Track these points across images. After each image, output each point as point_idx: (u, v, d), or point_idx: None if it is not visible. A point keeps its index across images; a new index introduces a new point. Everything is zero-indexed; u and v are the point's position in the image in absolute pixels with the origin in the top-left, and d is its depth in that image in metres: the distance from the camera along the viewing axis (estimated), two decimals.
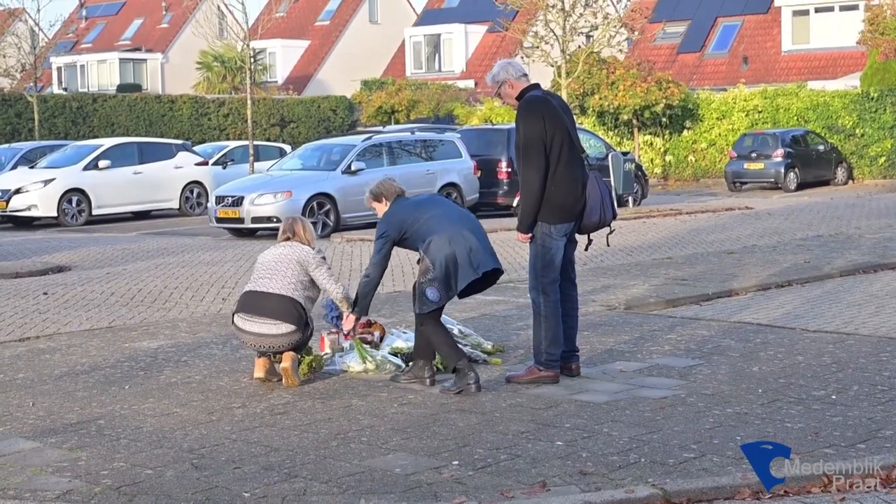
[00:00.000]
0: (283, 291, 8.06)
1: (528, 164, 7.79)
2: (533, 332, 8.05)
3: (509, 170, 24.07)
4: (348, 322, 8.31)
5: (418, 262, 7.93)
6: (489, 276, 8.02)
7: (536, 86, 8.05)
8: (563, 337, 7.95)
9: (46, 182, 24.85)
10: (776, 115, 36.76)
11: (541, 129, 7.74)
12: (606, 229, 8.28)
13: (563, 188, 7.78)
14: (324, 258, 8.33)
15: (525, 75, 8.05)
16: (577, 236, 8.16)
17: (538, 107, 7.84)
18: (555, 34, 29.22)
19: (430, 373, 7.97)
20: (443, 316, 9.13)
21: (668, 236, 18.65)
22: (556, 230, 7.84)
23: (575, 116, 34.59)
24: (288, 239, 8.41)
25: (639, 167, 27.75)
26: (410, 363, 8.42)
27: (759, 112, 37.03)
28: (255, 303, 8.07)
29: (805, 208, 24.55)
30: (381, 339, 8.80)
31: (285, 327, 7.97)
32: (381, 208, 8.20)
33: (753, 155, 32.98)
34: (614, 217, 8.16)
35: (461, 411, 7.19)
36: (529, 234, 7.90)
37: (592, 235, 8.21)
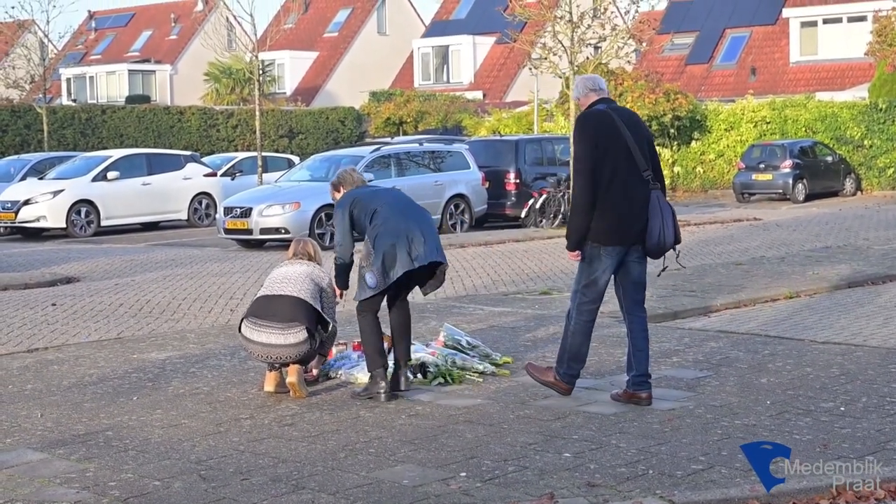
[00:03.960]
0: (297, 294, 8.08)
1: (576, 182, 7.58)
2: (562, 339, 7.87)
3: (517, 181, 24.12)
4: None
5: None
6: (433, 267, 8.04)
7: (603, 100, 7.70)
8: (587, 355, 7.79)
9: (55, 193, 24.90)
10: (784, 126, 36.72)
11: (590, 146, 7.45)
12: (672, 253, 7.90)
13: (617, 208, 7.44)
14: (332, 291, 8.39)
15: (594, 90, 7.72)
16: (650, 259, 7.82)
17: (590, 123, 7.56)
18: (563, 45, 29.22)
19: (385, 387, 7.92)
20: (450, 327, 9.19)
21: None
22: (605, 251, 7.53)
23: None
24: (301, 259, 8.43)
25: None
26: (418, 374, 8.45)
27: (768, 123, 37.00)
28: (266, 306, 8.07)
29: (813, 219, 24.52)
30: (390, 350, 8.80)
31: (293, 336, 7.94)
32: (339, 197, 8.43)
33: (762, 166, 32.95)
34: (677, 241, 7.70)
35: (469, 423, 7.19)
36: (577, 252, 7.64)
37: (661, 261, 7.87)
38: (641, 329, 7.75)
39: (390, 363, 8.21)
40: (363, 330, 8.09)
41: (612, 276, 7.75)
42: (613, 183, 7.44)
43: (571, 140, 7.74)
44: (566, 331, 7.80)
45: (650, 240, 7.53)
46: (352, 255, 8.22)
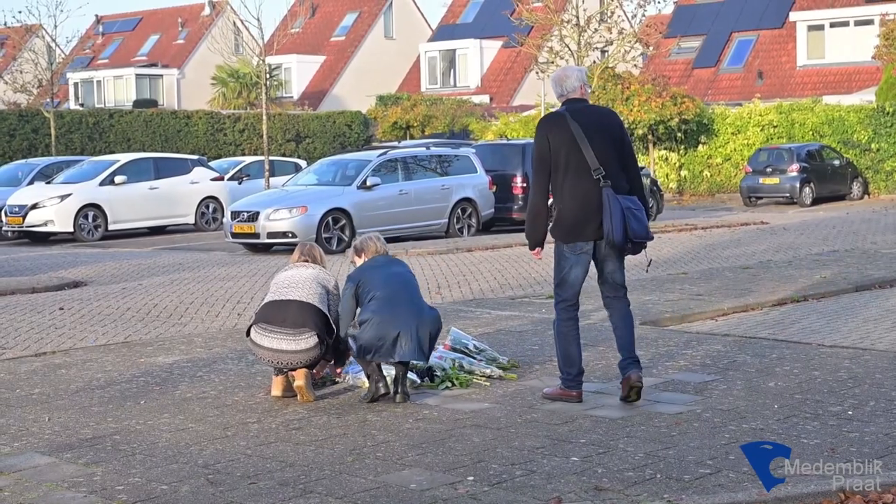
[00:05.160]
0: (306, 299, 8.09)
1: (532, 182, 7.89)
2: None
3: (524, 185, 24.12)
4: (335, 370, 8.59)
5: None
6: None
7: (570, 101, 7.83)
8: (579, 356, 7.84)
9: (63, 197, 24.96)
10: (791, 129, 36.70)
11: (543, 147, 7.70)
12: (647, 250, 7.93)
13: (568, 206, 7.67)
14: (338, 294, 8.39)
15: (562, 95, 7.89)
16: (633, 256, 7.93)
17: (544, 124, 7.83)
18: (570, 49, 29.31)
19: (384, 388, 7.97)
20: (457, 331, 9.20)
21: (683, 251, 18.62)
22: (568, 248, 7.75)
23: None
24: (306, 262, 8.45)
25: (654, 182, 27.74)
26: (425, 378, 8.45)
27: (775, 127, 36.98)
28: (275, 312, 8.08)
29: (820, 223, 24.49)
30: None
31: (304, 342, 7.96)
32: (361, 262, 8.42)
33: (769, 170, 32.95)
34: (629, 238, 7.63)
35: (476, 426, 7.18)
36: (536, 251, 7.90)
37: (642, 256, 7.97)
38: (621, 316, 7.86)
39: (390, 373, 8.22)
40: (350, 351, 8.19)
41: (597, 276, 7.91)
42: (565, 182, 7.68)
43: None
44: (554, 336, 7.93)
45: (606, 237, 7.65)
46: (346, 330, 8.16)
